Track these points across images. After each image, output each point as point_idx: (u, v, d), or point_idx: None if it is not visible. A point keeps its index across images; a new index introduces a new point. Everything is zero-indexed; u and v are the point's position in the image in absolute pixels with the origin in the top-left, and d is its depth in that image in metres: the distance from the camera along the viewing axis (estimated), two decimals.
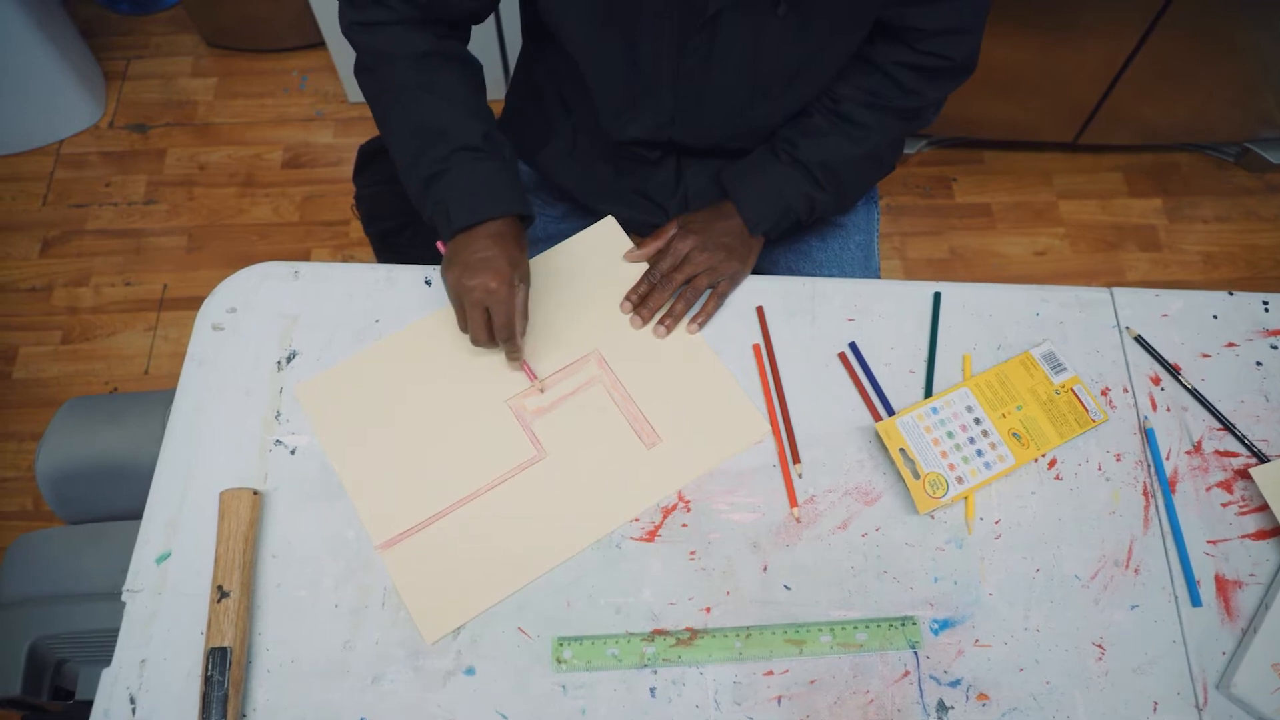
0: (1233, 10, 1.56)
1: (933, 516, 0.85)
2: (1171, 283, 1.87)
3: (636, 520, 0.84)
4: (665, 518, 0.84)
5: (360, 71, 0.90)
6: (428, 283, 0.95)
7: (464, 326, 0.86)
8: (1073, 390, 0.89)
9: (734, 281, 0.95)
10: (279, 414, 0.88)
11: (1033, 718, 0.76)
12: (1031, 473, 0.87)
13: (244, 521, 0.79)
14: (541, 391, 0.89)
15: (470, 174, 0.85)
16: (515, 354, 0.88)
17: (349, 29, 0.88)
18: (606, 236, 0.99)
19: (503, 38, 1.89)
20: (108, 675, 0.76)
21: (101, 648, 0.90)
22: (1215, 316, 0.95)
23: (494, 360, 0.90)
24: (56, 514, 1.05)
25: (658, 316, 0.93)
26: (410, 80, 0.86)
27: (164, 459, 0.85)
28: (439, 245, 0.89)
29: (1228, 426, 0.89)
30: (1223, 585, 0.82)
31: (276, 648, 0.78)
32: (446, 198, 0.84)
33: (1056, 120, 1.86)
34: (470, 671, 0.77)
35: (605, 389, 0.90)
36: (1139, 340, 0.94)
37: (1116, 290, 0.97)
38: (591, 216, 1.03)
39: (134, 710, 0.75)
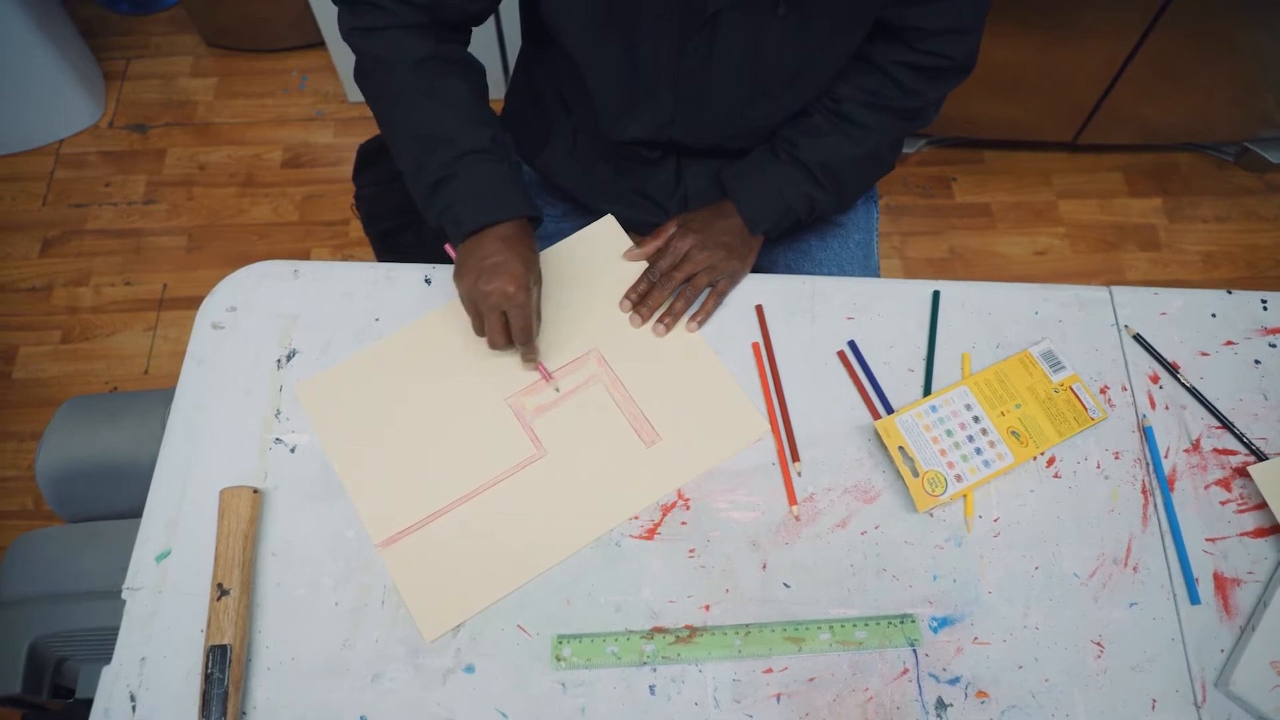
0: (1233, 10, 1.56)
1: (932, 515, 0.85)
2: (1171, 282, 1.87)
3: (636, 518, 0.84)
4: (665, 516, 0.84)
5: (360, 76, 0.90)
6: (428, 281, 0.96)
7: (480, 331, 0.86)
8: (1071, 389, 0.89)
9: (733, 280, 0.95)
10: (279, 412, 0.88)
11: (1032, 715, 0.76)
12: (1030, 471, 0.87)
13: (244, 520, 0.80)
14: (557, 390, 0.89)
15: (478, 177, 0.84)
16: (531, 355, 0.88)
17: (349, 34, 0.88)
18: (606, 235, 0.99)
19: (503, 38, 1.89)
20: (108, 673, 0.76)
21: (102, 646, 0.90)
22: (1214, 315, 0.95)
23: (494, 359, 0.91)
24: (56, 513, 1.05)
25: (657, 315, 0.93)
26: (410, 85, 0.86)
27: (164, 457, 0.86)
28: (447, 249, 0.89)
29: (1226, 425, 0.89)
30: (1221, 583, 0.82)
31: (276, 646, 0.78)
32: (454, 202, 0.84)
33: (1056, 120, 1.86)
34: (470, 669, 0.77)
35: (605, 387, 0.90)
36: (1138, 339, 0.94)
37: (1115, 289, 0.97)
38: (591, 216, 1.03)
39: (134, 708, 0.75)
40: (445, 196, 0.84)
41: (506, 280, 0.82)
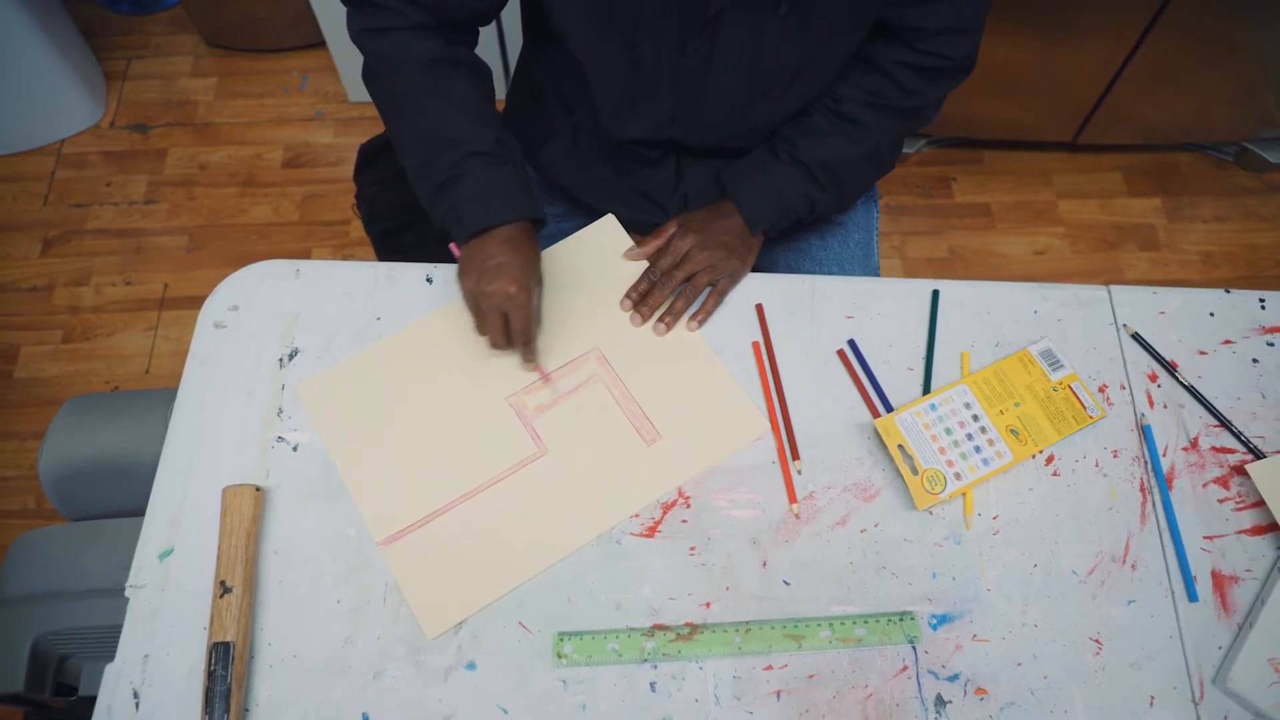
0: (1232, 10, 1.57)
1: (931, 513, 0.85)
2: (1171, 282, 1.87)
3: (636, 516, 0.84)
4: (665, 514, 0.84)
5: (369, 77, 0.90)
6: (429, 281, 0.96)
7: (481, 330, 0.87)
8: (1070, 387, 0.89)
9: (733, 279, 0.96)
10: (281, 411, 0.88)
11: (1030, 712, 0.77)
12: (1029, 469, 0.87)
13: (246, 518, 0.80)
14: (555, 391, 0.89)
15: (482, 179, 0.85)
16: (530, 356, 0.88)
17: (358, 35, 0.89)
18: (606, 235, 0.99)
19: (503, 38, 1.89)
20: (111, 671, 0.77)
21: (104, 644, 0.90)
22: (1212, 314, 0.96)
23: (495, 358, 0.91)
24: (59, 511, 1.05)
25: (657, 314, 0.94)
26: (418, 86, 0.86)
27: (166, 455, 0.86)
28: (452, 248, 0.89)
29: (1224, 423, 0.89)
30: (1219, 580, 0.83)
31: (279, 644, 0.78)
32: (459, 203, 0.85)
33: (1056, 120, 1.86)
34: (471, 667, 0.78)
35: (605, 386, 0.90)
36: (1136, 338, 0.94)
37: (1114, 288, 0.97)
38: (592, 215, 1.03)
39: (137, 705, 0.75)
40: (450, 197, 0.85)
41: (508, 281, 0.82)
